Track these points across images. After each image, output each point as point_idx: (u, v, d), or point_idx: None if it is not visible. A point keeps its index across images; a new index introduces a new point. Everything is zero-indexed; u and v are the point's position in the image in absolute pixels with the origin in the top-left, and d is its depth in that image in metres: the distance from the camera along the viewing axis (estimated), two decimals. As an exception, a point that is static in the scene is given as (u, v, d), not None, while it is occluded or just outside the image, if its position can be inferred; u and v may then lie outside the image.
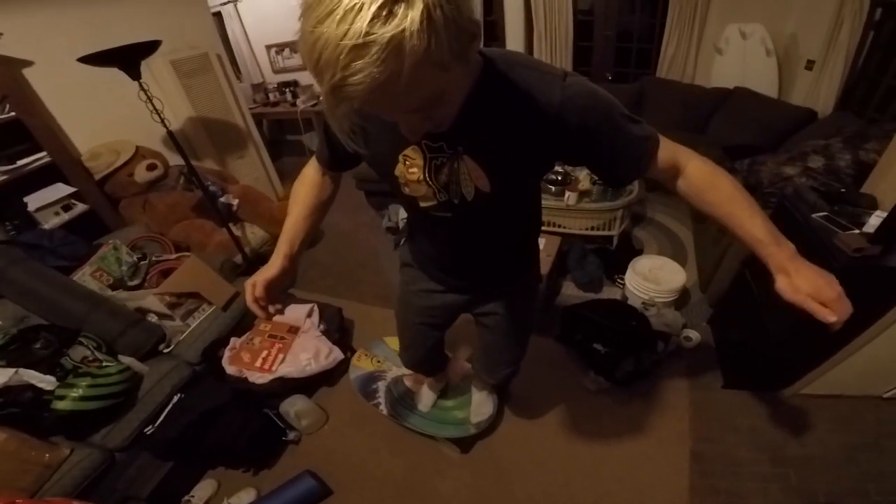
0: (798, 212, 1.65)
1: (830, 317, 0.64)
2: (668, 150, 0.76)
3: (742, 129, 3.11)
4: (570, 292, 2.53)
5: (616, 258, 2.60)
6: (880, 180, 1.63)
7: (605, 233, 2.68)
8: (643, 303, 2.18)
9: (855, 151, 1.98)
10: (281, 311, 0.94)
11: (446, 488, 1.68)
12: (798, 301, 0.67)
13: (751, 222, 0.72)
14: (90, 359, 1.67)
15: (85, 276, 2.01)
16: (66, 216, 2.25)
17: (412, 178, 0.80)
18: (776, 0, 3.19)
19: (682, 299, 2.32)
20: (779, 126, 2.95)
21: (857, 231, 1.46)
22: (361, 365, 2.01)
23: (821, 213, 1.58)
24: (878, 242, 1.38)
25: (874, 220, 1.43)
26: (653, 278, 2.21)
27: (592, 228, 2.67)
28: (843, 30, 2.62)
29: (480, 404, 1.78)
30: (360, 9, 0.41)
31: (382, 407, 1.85)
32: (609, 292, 2.52)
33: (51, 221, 2.19)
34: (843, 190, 1.69)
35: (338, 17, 0.42)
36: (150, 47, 1.83)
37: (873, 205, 1.58)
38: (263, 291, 0.90)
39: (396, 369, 1.97)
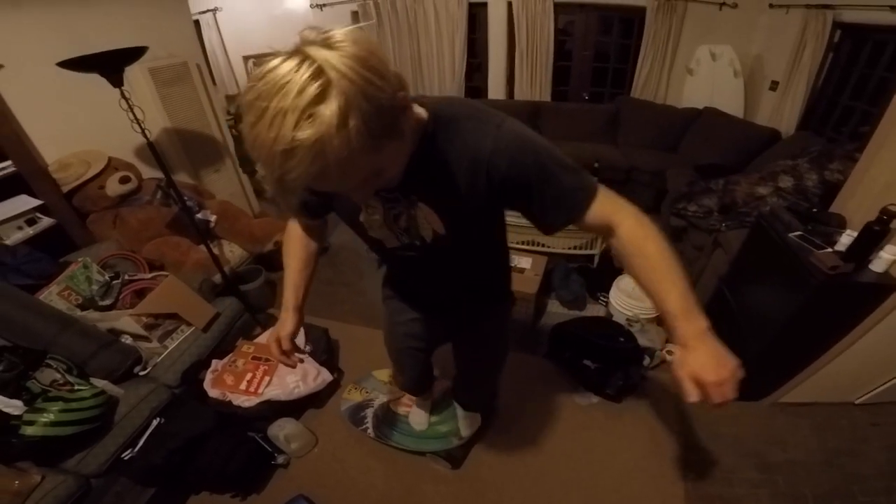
0: (774, 231, 1.75)
1: (690, 397, 0.67)
2: (605, 206, 0.75)
3: (712, 149, 3.27)
4: (555, 310, 2.57)
5: (597, 276, 2.66)
6: (847, 201, 1.74)
7: (587, 252, 2.76)
8: (627, 319, 2.24)
9: (821, 172, 2.11)
10: (302, 359, 1.09)
11: (443, 509, 1.66)
12: (678, 376, 0.69)
13: (666, 295, 0.71)
14: (60, 382, 1.57)
15: (52, 296, 1.88)
16: (30, 231, 2.10)
17: (375, 223, 0.87)
18: (744, 22, 3.39)
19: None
20: (746, 145, 3.12)
21: (830, 249, 1.55)
22: (351, 397, 2.03)
23: (796, 233, 1.67)
24: (850, 260, 1.47)
25: (845, 239, 1.52)
26: (636, 295, 2.27)
27: (575, 248, 2.74)
28: (806, 51, 2.80)
29: (466, 417, 1.80)
30: (285, 115, 0.46)
31: (370, 430, 1.86)
32: (592, 310, 2.57)
33: (13, 236, 2.05)
34: (814, 210, 1.80)
35: (266, 122, 0.47)
36: (134, 53, 1.75)
37: (842, 224, 1.68)
38: (290, 345, 1.04)
39: (382, 397, 2.01)
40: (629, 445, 1.82)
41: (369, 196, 0.72)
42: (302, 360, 1.07)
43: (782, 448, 1.77)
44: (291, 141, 0.47)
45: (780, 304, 1.68)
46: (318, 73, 0.47)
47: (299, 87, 0.46)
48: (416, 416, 1.86)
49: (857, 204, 1.66)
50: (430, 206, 0.79)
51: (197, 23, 4.18)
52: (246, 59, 4.54)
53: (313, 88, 0.46)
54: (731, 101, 3.47)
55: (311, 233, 1.07)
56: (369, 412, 1.94)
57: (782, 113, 3.10)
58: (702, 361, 0.67)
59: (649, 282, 0.73)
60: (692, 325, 0.69)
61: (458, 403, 1.80)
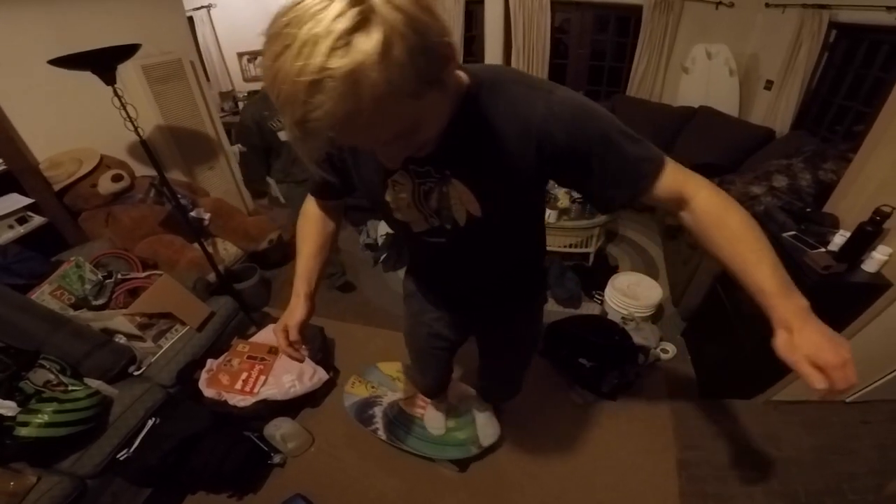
0: (768, 231, 1.75)
1: (820, 384, 0.57)
2: (675, 177, 0.68)
3: (706, 148, 3.27)
4: (550, 308, 2.57)
5: (593, 274, 2.68)
6: (841, 201, 1.75)
7: (583, 250, 2.76)
8: (622, 317, 2.25)
9: (815, 171, 2.12)
10: (308, 353, 0.98)
11: (443, 507, 1.66)
12: (792, 361, 0.60)
13: (756, 268, 0.63)
14: (54, 383, 1.56)
15: (44, 296, 1.87)
16: (21, 229, 2.08)
17: (402, 203, 0.77)
18: (740, 21, 3.39)
19: (657, 313, 2.41)
20: (740, 145, 3.12)
21: (823, 249, 1.56)
22: (356, 391, 1.96)
23: (790, 233, 1.68)
24: (843, 260, 1.48)
25: (838, 239, 1.54)
26: (631, 294, 2.29)
27: (571, 246, 2.74)
28: (802, 51, 2.80)
29: (486, 425, 1.77)
30: (316, 42, 0.40)
31: (381, 432, 1.81)
32: (587, 308, 2.58)
33: (4, 235, 2.02)
34: (808, 210, 1.81)
35: (294, 51, 0.41)
36: (126, 51, 1.73)
37: (835, 224, 1.69)
38: (299, 335, 0.93)
39: (391, 394, 1.95)
40: (624, 443, 1.83)
41: (399, 160, 0.62)
42: (308, 355, 1.02)
43: (775, 446, 1.79)
44: (321, 70, 0.40)
45: (773, 304, 1.69)
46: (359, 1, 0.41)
47: (338, 11, 0.40)
48: (433, 420, 1.80)
49: (850, 204, 1.67)
50: (466, 184, 0.70)
51: (191, 19, 4.16)
52: (240, 55, 4.52)
53: (354, 13, 0.40)
54: (726, 100, 3.48)
55: (330, 213, 0.99)
56: (378, 411, 1.87)
57: (777, 112, 3.10)
58: (816, 342, 0.59)
59: (734, 255, 0.65)
60: (793, 303, 0.62)
61: (482, 396, 1.75)
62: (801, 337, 0.60)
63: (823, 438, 1.80)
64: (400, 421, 1.84)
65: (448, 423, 1.81)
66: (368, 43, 0.41)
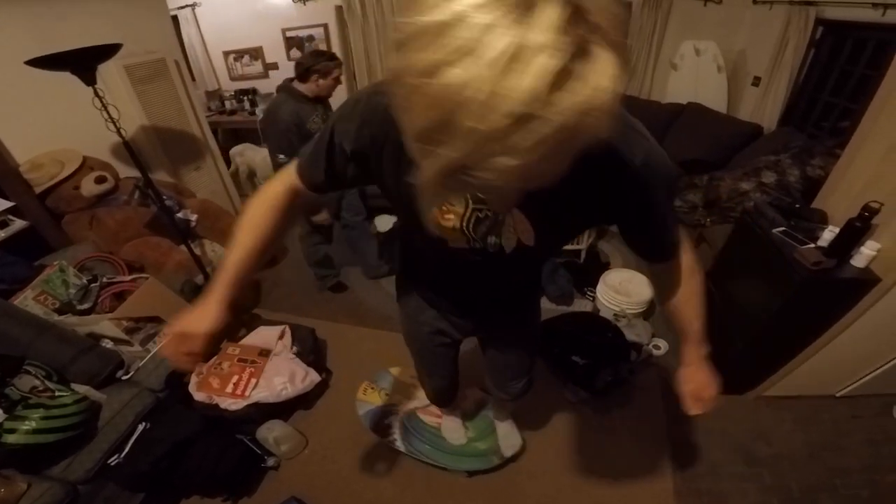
0: (758, 227, 1.77)
1: (694, 409, 0.88)
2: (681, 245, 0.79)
3: (695, 144, 3.28)
4: (543, 305, 2.54)
5: (584, 271, 2.67)
6: (829, 197, 1.76)
7: (574, 246, 2.76)
8: (615, 314, 2.25)
9: (803, 167, 2.14)
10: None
11: (437, 508, 1.65)
12: (682, 391, 0.89)
13: (696, 320, 0.86)
14: (40, 389, 1.54)
15: (27, 301, 1.83)
16: (1, 233, 2.04)
17: (447, 224, 0.70)
18: (728, 17, 3.40)
19: (649, 310, 2.41)
20: (728, 141, 3.13)
21: (812, 245, 1.57)
22: (369, 399, 1.89)
23: (779, 229, 1.69)
24: (832, 256, 1.49)
25: (827, 235, 1.55)
26: (623, 291, 2.29)
27: (563, 243, 2.73)
28: (789, 47, 2.83)
29: (508, 436, 1.75)
30: (535, 55, 0.27)
31: (398, 444, 1.75)
32: (579, 305, 2.58)
33: (-16, 240, 1.98)
34: (797, 206, 1.82)
35: (495, 58, 0.27)
36: (107, 51, 1.70)
37: (824, 220, 1.71)
38: (202, 347, 0.72)
39: (408, 402, 1.88)
40: (618, 441, 1.84)
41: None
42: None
43: (767, 442, 1.80)
44: (532, 102, 0.28)
45: (763, 300, 1.70)
46: (578, 13, 0.29)
47: (556, 23, 0.28)
48: (451, 430, 1.75)
49: (839, 200, 1.68)
50: (529, 215, 0.66)
51: (175, 18, 4.09)
52: (226, 54, 4.45)
53: (577, 35, 0.29)
54: (714, 97, 3.49)
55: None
56: (395, 420, 1.81)
57: (764, 108, 3.12)
58: (703, 380, 0.88)
59: (686, 304, 0.85)
60: (702, 350, 0.89)
61: (499, 412, 1.74)
62: (696, 374, 0.89)
63: (815, 434, 1.81)
64: (418, 431, 1.78)
65: (468, 434, 1.76)
66: (598, 72, 0.30)
